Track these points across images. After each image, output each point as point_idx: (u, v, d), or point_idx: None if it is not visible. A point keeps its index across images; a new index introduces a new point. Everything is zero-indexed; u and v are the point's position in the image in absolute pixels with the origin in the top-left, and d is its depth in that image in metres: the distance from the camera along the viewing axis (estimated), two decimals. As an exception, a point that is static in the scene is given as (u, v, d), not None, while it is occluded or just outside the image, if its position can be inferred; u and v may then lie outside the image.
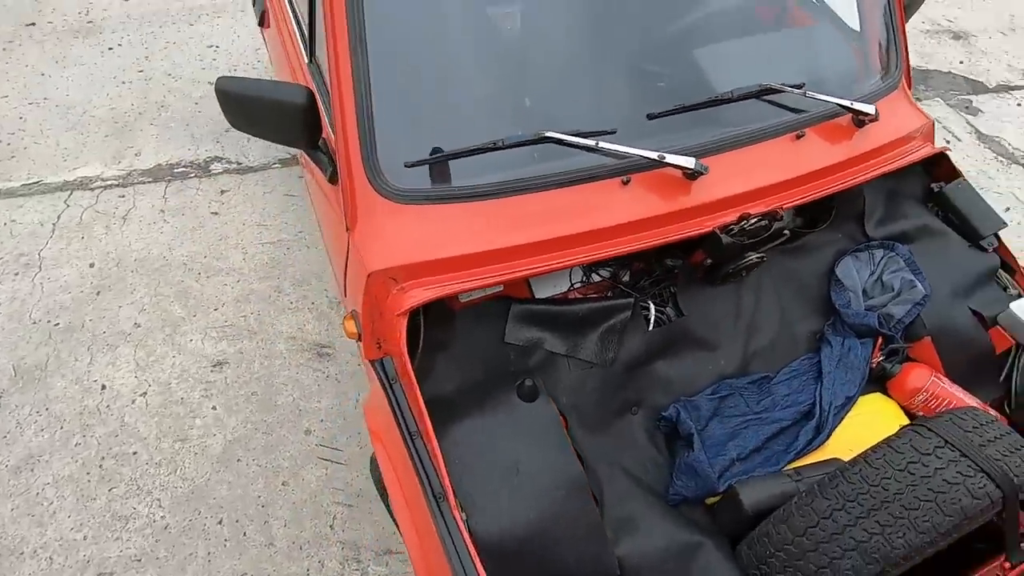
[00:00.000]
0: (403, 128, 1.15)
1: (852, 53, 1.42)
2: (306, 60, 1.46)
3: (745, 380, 1.35)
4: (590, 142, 1.09)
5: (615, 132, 1.13)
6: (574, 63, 1.24)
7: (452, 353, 1.21)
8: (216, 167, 2.81)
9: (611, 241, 1.15)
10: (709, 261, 1.33)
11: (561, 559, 1.03)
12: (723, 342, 1.36)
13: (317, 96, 1.14)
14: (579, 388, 1.26)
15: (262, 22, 2.06)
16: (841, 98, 1.27)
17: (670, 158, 1.12)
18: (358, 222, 1.14)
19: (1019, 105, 3.32)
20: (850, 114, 1.30)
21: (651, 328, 1.31)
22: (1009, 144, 3.09)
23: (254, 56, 3.37)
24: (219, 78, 1.13)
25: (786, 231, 1.28)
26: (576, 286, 1.35)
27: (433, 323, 1.18)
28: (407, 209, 1.11)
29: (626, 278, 1.34)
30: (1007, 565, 0.97)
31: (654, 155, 1.12)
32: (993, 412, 1.30)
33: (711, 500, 1.21)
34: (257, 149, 2.88)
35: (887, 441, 1.04)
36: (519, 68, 1.23)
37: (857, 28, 1.45)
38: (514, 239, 1.11)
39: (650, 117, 1.18)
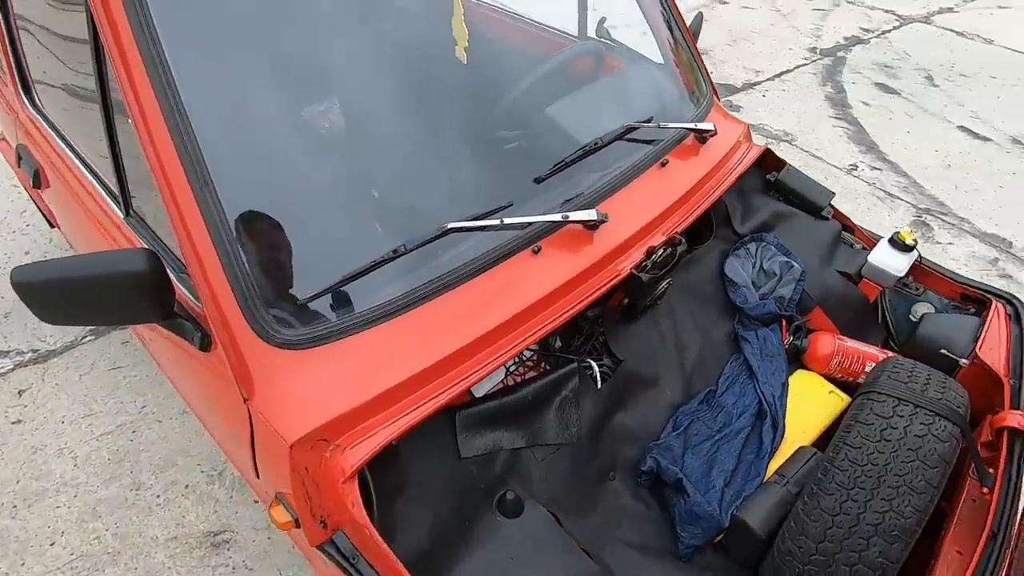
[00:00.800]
0: (280, 265, 0.98)
1: (670, 82, 1.56)
2: (121, 215, 1.20)
3: (695, 403, 1.35)
4: (494, 222, 1.03)
5: (512, 205, 1.08)
6: (439, 151, 1.18)
7: (409, 495, 1.03)
8: (3, 364, 2.24)
9: (545, 314, 1.08)
10: (626, 300, 1.33)
11: None
12: (662, 372, 1.36)
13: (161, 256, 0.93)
14: (553, 475, 1.16)
15: (37, 183, 1.68)
16: (682, 123, 1.38)
17: (574, 216, 1.10)
18: (256, 388, 0.93)
19: (764, 96, 4.03)
20: (693, 134, 1.42)
21: (600, 385, 1.26)
22: (771, 127, 3.71)
23: (19, 221, 2.80)
24: (15, 270, 0.86)
25: (686, 253, 1.34)
26: (512, 370, 1.25)
27: (377, 469, 1.00)
28: (313, 353, 0.93)
29: (558, 344, 1.29)
30: (985, 490, 1.06)
31: (558, 217, 1.09)
32: (890, 353, 1.46)
33: (718, 539, 1.17)
34: (53, 327, 2.36)
35: (852, 419, 1.09)
36: (388, 171, 1.14)
37: (662, 61, 1.61)
38: (447, 347, 0.99)
39: (537, 181, 1.15)
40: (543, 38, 1.86)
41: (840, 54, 4.53)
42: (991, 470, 1.07)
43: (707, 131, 1.40)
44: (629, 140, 1.32)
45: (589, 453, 1.20)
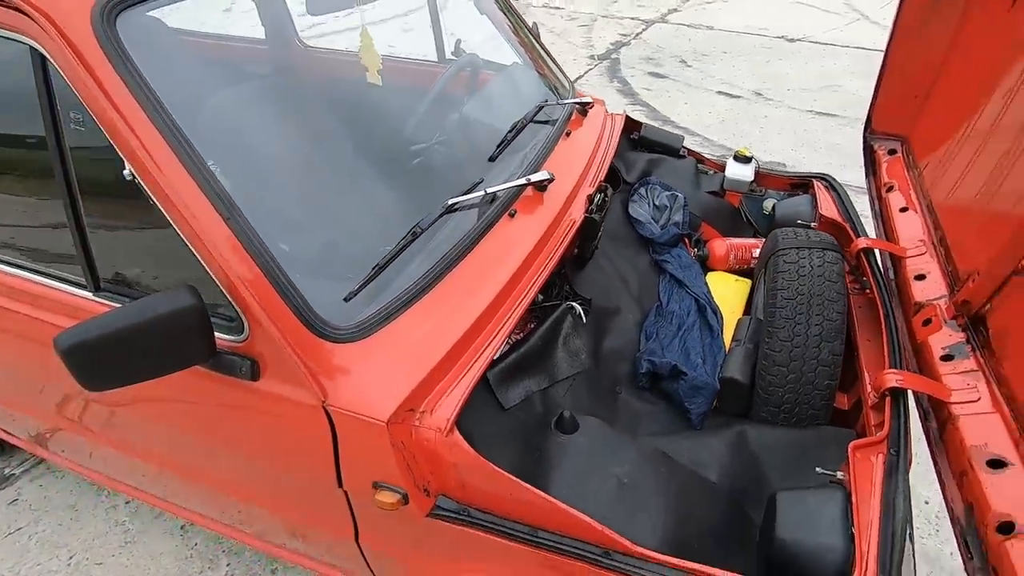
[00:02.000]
0: (316, 271, 1.03)
1: (543, 76, 1.86)
2: (90, 294, 1.11)
3: (652, 316, 1.63)
4: (480, 192, 1.20)
5: (483, 180, 1.26)
6: (408, 155, 1.33)
7: (481, 449, 1.13)
8: None
9: (535, 265, 1.27)
10: (576, 250, 1.56)
11: (704, 516, 1.10)
12: (620, 301, 1.61)
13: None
14: (578, 401, 1.33)
15: None
16: (572, 99, 1.67)
17: (533, 177, 1.31)
18: (330, 388, 0.97)
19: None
20: (577, 109, 1.73)
21: (585, 321, 1.46)
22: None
23: None
24: (61, 336, 0.81)
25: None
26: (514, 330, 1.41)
27: None
28: (372, 340, 1.01)
29: (540, 297, 1.47)
30: (868, 292, 1.46)
31: (523, 181, 1.29)
32: (762, 239, 1.89)
33: (714, 404, 1.44)
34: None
35: (774, 272, 1.43)
36: (381, 176, 1.25)
37: (530, 63, 1.91)
38: (477, 308, 1.12)
39: (491, 160, 1.34)
40: (412, 69, 2.06)
41: (613, 56, 5.40)
42: (864, 279, 1.49)
43: (588, 103, 1.71)
44: (537, 121, 1.58)
45: (596, 376, 1.40)
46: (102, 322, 0.83)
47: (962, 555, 0.93)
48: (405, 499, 0.99)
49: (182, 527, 1.94)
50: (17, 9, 0.90)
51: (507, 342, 1.35)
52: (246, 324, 0.96)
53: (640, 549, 0.92)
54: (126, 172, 0.91)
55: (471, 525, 1.00)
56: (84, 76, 0.86)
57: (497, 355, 1.31)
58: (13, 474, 2.14)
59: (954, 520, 0.98)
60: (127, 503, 2.02)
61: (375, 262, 1.04)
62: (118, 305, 1.12)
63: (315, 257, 1.03)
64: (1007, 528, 0.87)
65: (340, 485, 1.05)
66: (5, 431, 1.80)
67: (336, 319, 0.98)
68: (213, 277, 0.92)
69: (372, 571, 1.24)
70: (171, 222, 0.92)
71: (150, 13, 0.95)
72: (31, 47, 0.92)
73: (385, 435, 0.94)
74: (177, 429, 1.21)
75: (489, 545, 0.99)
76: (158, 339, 0.87)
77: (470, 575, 1.04)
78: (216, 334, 0.95)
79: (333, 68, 1.96)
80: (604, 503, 1.03)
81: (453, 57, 2.07)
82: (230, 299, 0.93)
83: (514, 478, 0.94)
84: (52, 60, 0.90)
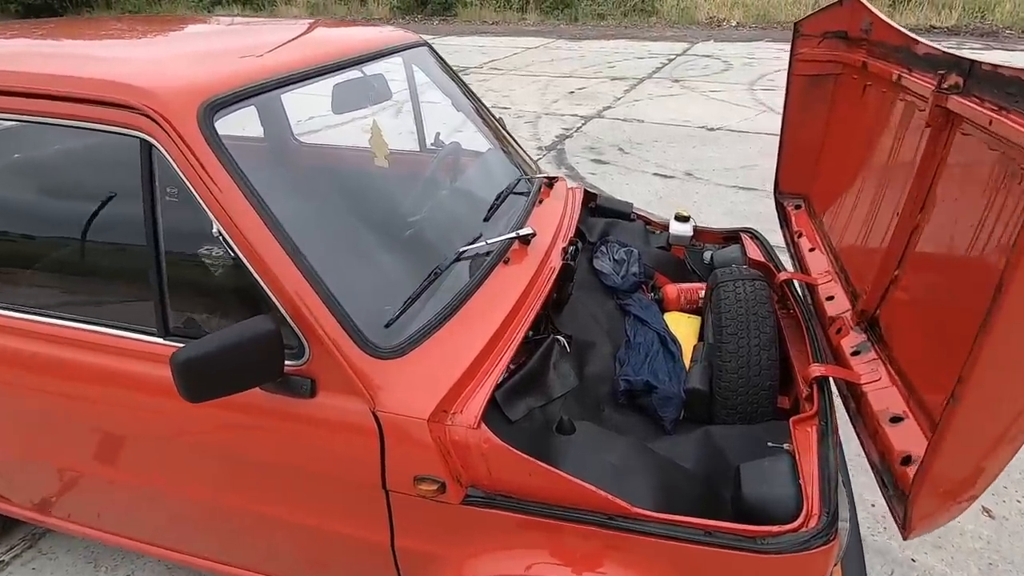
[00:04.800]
0: (359, 301, 1.28)
1: (515, 158, 2.24)
2: (160, 339, 1.30)
3: (623, 348, 1.92)
4: (482, 243, 1.50)
5: (481, 235, 1.57)
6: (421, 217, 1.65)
7: None
8: None
9: (527, 303, 1.55)
10: (555, 295, 1.87)
11: (684, 490, 1.34)
12: (595, 336, 1.90)
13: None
14: (572, 415, 1.58)
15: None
16: (542, 175, 2.05)
17: (520, 232, 1.63)
18: (379, 397, 1.19)
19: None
20: (545, 183, 2.10)
21: (569, 351, 1.74)
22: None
23: None
24: (177, 353, 1.01)
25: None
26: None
27: None
28: (410, 356, 1.25)
29: (530, 333, 1.74)
30: (789, 311, 1.81)
31: (513, 234, 1.60)
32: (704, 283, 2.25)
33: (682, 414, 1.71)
34: None
35: (717, 302, 1.77)
36: (407, 232, 1.54)
37: (491, 147, 2.30)
38: (488, 330, 1.39)
39: (486, 219, 1.66)
40: (404, 158, 2.43)
41: (559, 147, 6.05)
42: (789, 304, 1.85)
43: (555, 178, 2.09)
44: (515, 192, 1.93)
45: (583, 396, 1.66)
46: (207, 343, 1.04)
47: (881, 490, 1.21)
48: (442, 488, 1.19)
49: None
50: (131, 108, 1.17)
51: (508, 369, 1.60)
52: (307, 348, 1.18)
53: (637, 509, 1.15)
54: (215, 230, 1.16)
55: (499, 507, 1.20)
56: (190, 161, 1.14)
57: (500, 379, 1.56)
58: (3, 560, 2.12)
59: (873, 467, 1.26)
60: (127, 576, 2.03)
61: (407, 297, 1.30)
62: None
63: (362, 293, 1.29)
64: (906, 460, 1.16)
65: (384, 485, 1.24)
66: (3, 498, 1.82)
67: (381, 341, 1.22)
68: (282, 310, 1.16)
69: None
70: (248, 266, 1.16)
71: (235, 112, 1.25)
72: (140, 139, 1.19)
73: (426, 430, 1.16)
74: (225, 455, 1.37)
75: (513, 524, 1.19)
76: (248, 358, 1.08)
77: (498, 553, 1.22)
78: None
79: (319, 158, 2.33)
80: (604, 482, 1.26)
81: (433, 147, 2.45)
82: (296, 327, 1.16)
83: (534, 460, 1.17)
84: (161, 148, 1.17)
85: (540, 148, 6.00)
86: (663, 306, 2.19)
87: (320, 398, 1.22)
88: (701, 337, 2.04)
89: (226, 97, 1.23)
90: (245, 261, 1.16)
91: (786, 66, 2.13)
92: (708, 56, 10.19)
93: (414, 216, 1.64)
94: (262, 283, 1.16)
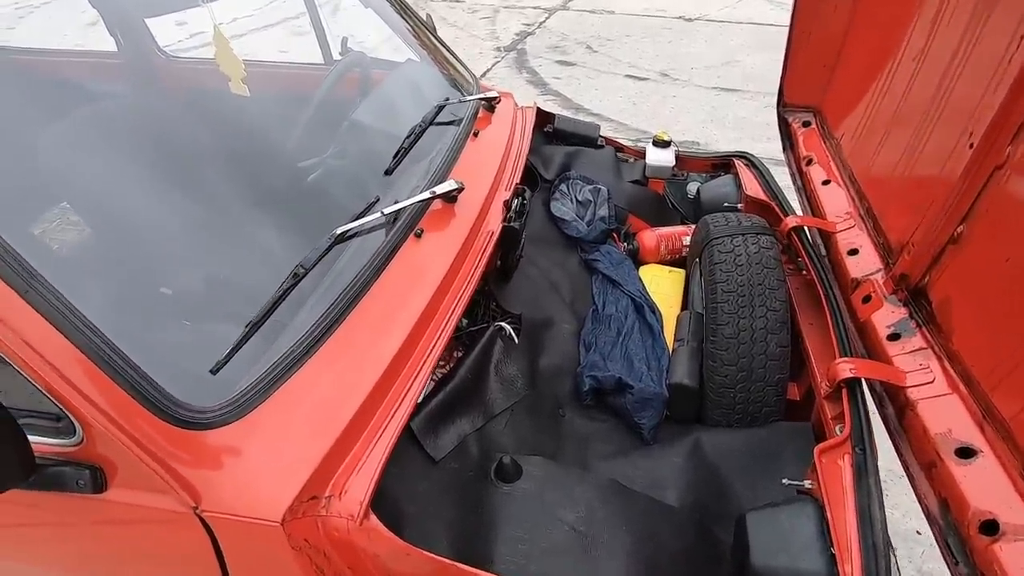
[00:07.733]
0: (167, 342, 0.82)
1: (442, 72, 1.69)
2: None
3: (589, 323, 1.51)
4: (376, 215, 1.02)
5: (379, 199, 1.08)
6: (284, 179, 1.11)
7: (411, 516, 0.96)
8: None
9: (452, 293, 1.10)
10: (499, 262, 1.41)
11: (671, 548, 0.99)
12: (553, 311, 1.48)
13: None
14: (520, 434, 1.19)
15: None
16: (476, 95, 1.51)
17: (438, 189, 1.14)
18: (203, 488, 0.77)
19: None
20: (483, 104, 1.57)
21: (517, 341, 1.32)
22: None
23: None
24: None
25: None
26: (440, 364, 1.24)
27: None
28: (252, 417, 0.82)
29: (465, 322, 1.31)
30: (804, 273, 1.40)
31: (427, 194, 1.12)
32: (691, 225, 1.81)
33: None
34: None
35: (709, 263, 1.34)
36: (258, 206, 1.03)
37: (425, 59, 1.73)
38: (384, 357, 0.94)
39: (387, 173, 1.16)
40: (293, 74, 1.83)
41: (520, 47, 5.28)
42: (799, 259, 1.43)
43: (494, 98, 1.56)
44: (438, 124, 1.41)
45: (537, 402, 1.26)
46: None
47: (944, 558, 0.86)
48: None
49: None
50: None
51: (432, 379, 1.18)
52: (76, 423, 0.73)
53: None
54: None
55: None
56: None
57: (421, 397, 1.14)
58: None
59: (930, 518, 0.91)
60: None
61: (247, 322, 0.84)
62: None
63: (166, 322, 0.82)
64: (991, 528, 0.80)
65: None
66: None
67: (200, 399, 0.77)
68: (16, 368, 0.69)
69: None
70: None
71: None
72: None
73: (282, 538, 0.76)
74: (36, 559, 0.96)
75: None
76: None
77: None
78: (38, 440, 0.72)
79: (194, 80, 1.70)
80: (559, 561, 0.89)
81: (340, 58, 1.86)
82: (44, 393, 0.71)
83: (448, 561, 0.78)
84: None
85: (498, 49, 5.24)
86: (639, 257, 1.76)
87: (113, 493, 0.79)
88: (686, 301, 1.64)
89: None
90: None
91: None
92: (685, -69, 9.03)
93: (278, 180, 1.12)
94: None
